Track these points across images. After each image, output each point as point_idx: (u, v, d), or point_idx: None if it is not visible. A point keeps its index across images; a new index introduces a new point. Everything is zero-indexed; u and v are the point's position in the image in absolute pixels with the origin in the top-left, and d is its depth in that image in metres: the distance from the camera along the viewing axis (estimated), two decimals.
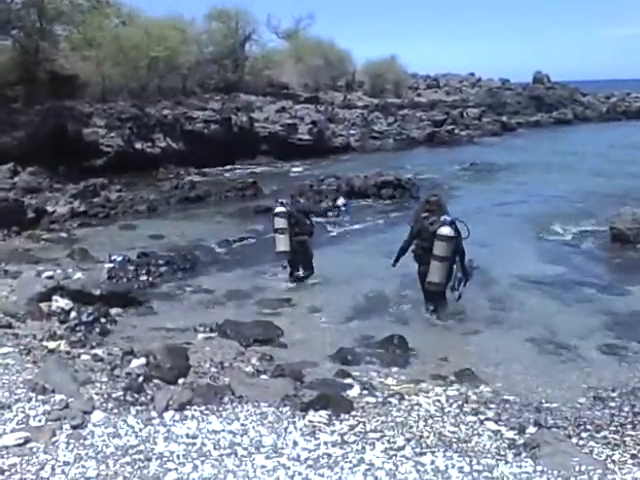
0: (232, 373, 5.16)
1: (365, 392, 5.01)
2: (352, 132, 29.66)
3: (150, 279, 9.04)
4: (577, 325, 7.17)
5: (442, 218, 7.34)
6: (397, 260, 7.83)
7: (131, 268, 9.29)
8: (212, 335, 6.47)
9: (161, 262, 9.64)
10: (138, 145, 23.15)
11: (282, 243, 8.87)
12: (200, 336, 6.45)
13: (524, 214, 13.76)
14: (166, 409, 4.27)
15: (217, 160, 23.11)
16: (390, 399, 4.86)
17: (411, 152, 27.95)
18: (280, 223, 8.88)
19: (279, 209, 8.97)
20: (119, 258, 9.61)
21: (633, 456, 3.90)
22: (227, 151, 23.86)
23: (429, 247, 7.32)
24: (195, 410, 4.31)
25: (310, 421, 4.24)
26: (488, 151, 26.51)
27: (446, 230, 7.21)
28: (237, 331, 6.44)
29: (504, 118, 37.42)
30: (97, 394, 4.49)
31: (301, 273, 9.13)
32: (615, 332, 6.96)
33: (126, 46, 24.85)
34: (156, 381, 4.78)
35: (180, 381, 4.85)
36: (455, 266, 7.46)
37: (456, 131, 31.60)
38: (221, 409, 4.36)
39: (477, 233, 10.02)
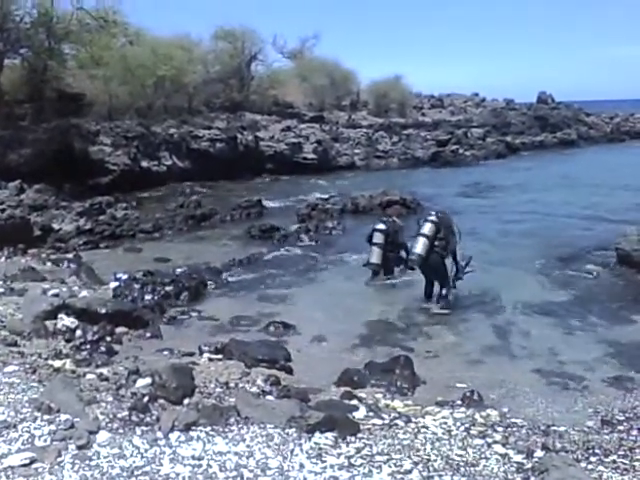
0: (238, 394, 5.14)
1: (371, 414, 4.98)
2: (357, 151, 29.80)
3: (156, 298, 9.04)
4: (582, 355, 7.10)
5: None
6: None
7: (137, 287, 9.28)
8: (217, 355, 6.45)
9: (167, 281, 9.63)
10: (144, 163, 23.31)
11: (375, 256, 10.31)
12: (205, 356, 6.43)
13: (527, 236, 13.73)
14: (172, 430, 4.24)
15: (223, 178, 23.22)
16: (397, 421, 4.83)
17: (415, 172, 28.00)
18: (378, 238, 10.31)
19: (379, 226, 10.43)
20: (124, 277, 9.61)
21: None
22: (233, 169, 23.96)
23: None
24: (201, 431, 4.28)
25: (316, 443, 4.21)
26: (493, 172, 26.53)
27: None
28: (242, 351, 6.41)
29: (508, 138, 37.49)
30: (102, 414, 4.47)
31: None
32: (621, 363, 6.88)
33: (133, 65, 25.15)
34: (161, 401, 4.75)
35: (185, 401, 4.83)
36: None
37: (460, 151, 31.67)
38: (227, 430, 4.34)
39: (480, 256, 10.06)
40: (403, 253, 10.23)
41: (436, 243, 9.00)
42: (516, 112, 44.33)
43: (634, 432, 4.83)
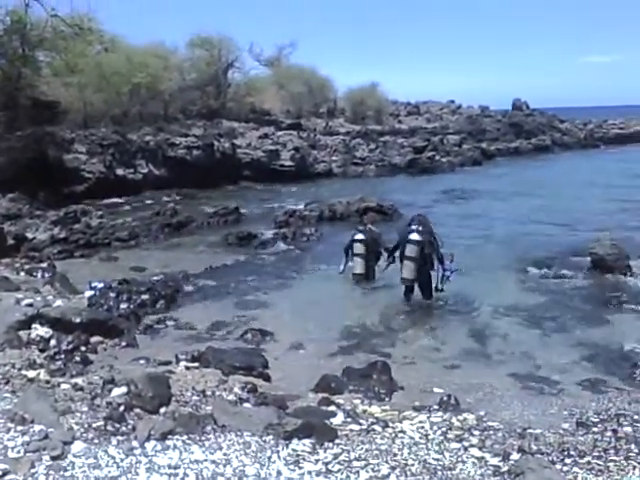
0: (214, 402, 5.11)
1: (349, 420, 4.98)
2: (334, 158, 29.88)
3: (131, 307, 8.96)
4: (558, 357, 7.19)
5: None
6: None
7: (112, 295, 9.20)
8: (194, 363, 6.41)
9: (142, 289, 9.56)
10: (120, 171, 23.17)
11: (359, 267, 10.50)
12: (182, 364, 6.38)
13: (503, 242, 13.85)
14: (148, 439, 4.21)
15: (199, 186, 23.10)
16: (374, 426, 4.84)
17: (392, 179, 28.14)
18: (358, 249, 10.49)
19: (358, 236, 10.60)
20: (100, 285, 9.52)
21: None
22: (210, 177, 23.87)
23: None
24: (177, 440, 4.25)
25: (294, 450, 4.20)
26: (469, 179, 26.75)
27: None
28: (219, 359, 6.38)
29: (484, 145, 37.89)
30: (77, 424, 4.41)
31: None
32: (595, 365, 6.98)
33: (108, 72, 25.01)
34: (137, 410, 4.71)
35: (162, 410, 4.79)
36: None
37: (437, 158, 31.90)
38: (203, 438, 4.31)
39: (458, 262, 10.10)
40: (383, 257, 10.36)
41: (422, 262, 9.21)
42: (491, 119, 44.83)
43: (608, 433, 4.88)
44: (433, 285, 9.29)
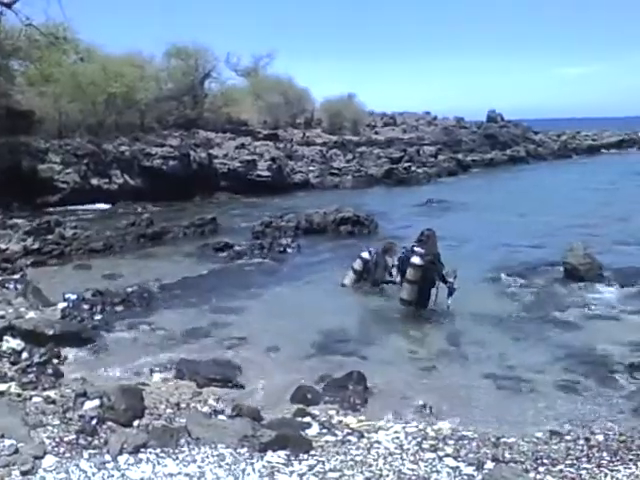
0: (189, 414, 5.08)
1: (324, 431, 4.98)
2: (311, 169, 29.91)
3: (105, 318, 8.86)
4: (532, 361, 7.25)
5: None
6: None
7: (86, 307, 9.10)
8: (168, 375, 6.36)
9: (117, 301, 9.46)
10: (95, 181, 22.98)
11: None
12: (156, 376, 6.34)
13: (479, 252, 13.95)
14: (120, 452, 4.17)
15: (176, 196, 22.98)
16: (349, 437, 4.85)
17: (369, 190, 28.26)
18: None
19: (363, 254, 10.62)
20: (73, 297, 9.40)
21: None
22: (186, 187, 23.76)
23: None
24: (150, 453, 4.22)
25: (268, 462, 4.19)
26: (445, 190, 26.95)
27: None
28: (194, 371, 6.34)
29: (459, 156, 38.21)
30: (49, 438, 4.36)
31: None
32: (568, 367, 7.06)
33: (84, 82, 24.81)
34: (110, 423, 4.67)
35: (135, 423, 4.75)
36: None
37: (413, 168, 32.10)
38: (177, 451, 4.28)
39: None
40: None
41: (423, 284, 9.17)
42: (467, 130, 45.32)
43: (581, 442, 4.95)
44: (447, 303, 9.19)
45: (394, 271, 10.07)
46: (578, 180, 29.84)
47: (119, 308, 9.29)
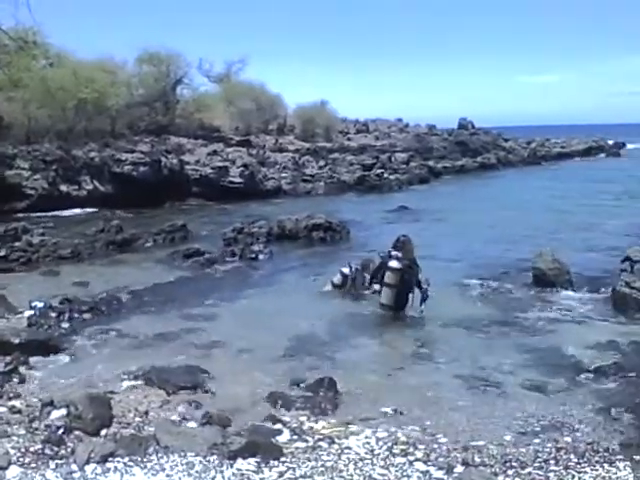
0: (157, 422, 5.02)
1: (295, 437, 4.96)
2: (283, 175, 29.89)
3: (73, 326, 8.73)
4: (502, 364, 7.32)
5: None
6: None
7: (53, 315, 8.94)
8: (137, 383, 6.27)
9: (85, 308, 9.32)
10: (63, 187, 22.71)
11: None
12: (124, 384, 6.25)
13: (449, 258, 14.04)
14: (87, 462, 4.11)
15: (146, 203, 22.77)
16: (320, 443, 4.84)
17: (342, 196, 28.35)
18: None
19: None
20: (40, 305, 9.24)
21: None
22: (157, 193, 23.57)
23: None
24: (118, 462, 4.16)
25: (238, 469, 4.17)
26: (416, 197, 27.15)
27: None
28: (163, 378, 6.26)
29: (431, 163, 38.51)
30: (14, 448, 4.28)
31: None
32: (536, 368, 7.16)
33: (53, 87, 24.48)
34: (77, 433, 4.60)
35: (103, 432, 4.68)
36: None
37: (385, 175, 32.28)
38: (145, 460, 4.23)
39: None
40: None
41: (401, 287, 9.25)
42: (438, 137, 45.74)
43: (549, 444, 5.00)
44: (419, 309, 9.30)
45: (375, 285, 9.97)
46: (546, 187, 30.31)
47: (87, 316, 9.15)
